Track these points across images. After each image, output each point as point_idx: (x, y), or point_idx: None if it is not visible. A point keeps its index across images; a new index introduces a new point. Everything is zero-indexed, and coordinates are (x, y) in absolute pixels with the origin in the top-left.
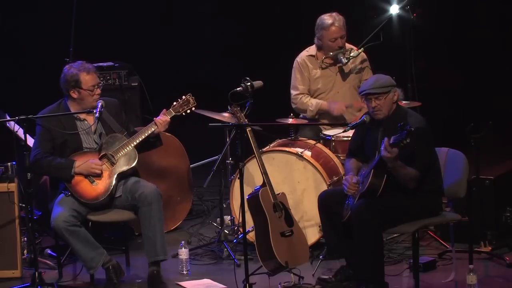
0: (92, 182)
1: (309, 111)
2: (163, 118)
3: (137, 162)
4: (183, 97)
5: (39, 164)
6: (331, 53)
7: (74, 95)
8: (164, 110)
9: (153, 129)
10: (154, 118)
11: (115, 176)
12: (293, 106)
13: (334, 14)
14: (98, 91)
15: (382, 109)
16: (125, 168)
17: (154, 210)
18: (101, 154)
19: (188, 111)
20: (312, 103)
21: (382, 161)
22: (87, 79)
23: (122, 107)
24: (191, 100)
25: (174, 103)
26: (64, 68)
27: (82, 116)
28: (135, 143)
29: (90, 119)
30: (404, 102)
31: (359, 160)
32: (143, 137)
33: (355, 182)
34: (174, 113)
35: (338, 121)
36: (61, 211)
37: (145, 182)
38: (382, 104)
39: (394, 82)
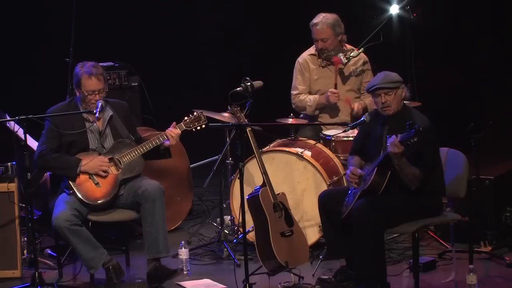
0: (96, 184)
1: (308, 107)
2: (175, 131)
3: (142, 170)
4: (194, 113)
5: (44, 159)
6: (332, 52)
7: (77, 93)
8: (174, 123)
9: (162, 140)
10: (167, 130)
11: (119, 181)
12: (293, 105)
13: (324, 14)
14: (97, 96)
15: (391, 105)
16: (130, 174)
17: (157, 207)
18: (108, 158)
19: (198, 127)
20: (310, 99)
21: (386, 160)
22: (87, 83)
23: (131, 110)
24: (202, 117)
25: (185, 118)
26: (76, 65)
27: (91, 117)
28: (143, 151)
29: (98, 121)
30: (404, 102)
31: (362, 158)
32: (151, 146)
33: (359, 173)
34: (184, 128)
35: (337, 115)
36: (63, 210)
37: (147, 179)
38: (391, 100)
39: (401, 78)
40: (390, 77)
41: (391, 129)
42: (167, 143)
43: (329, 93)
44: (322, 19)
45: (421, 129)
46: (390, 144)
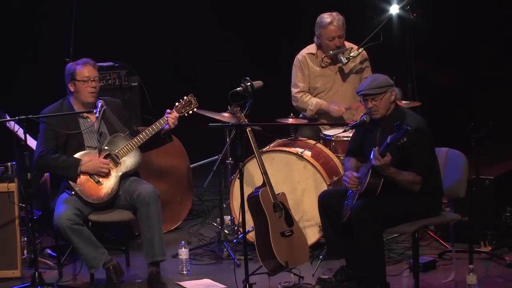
0: (97, 182)
1: (309, 110)
2: (172, 114)
3: (140, 162)
4: (185, 97)
5: (44, 161)
6: (331, 52)
7: (72, 88)
8: (168, 110)
9: (156, 129)
10: (166, 113)
11: (119, 176)
12: (294, 104)
13: (334, 13)
14: (93, 84)
15: (379, 110)
16: (129, 168)
17: (152, 211)
18: (104, 154)
19: (190, 111)
20: (312, 103)
21: None
22: (82, 70)
23: (131, 110)
24: (193, 101)
25: (176, 103)
26: (67, 65)
27: (85, 113)
28: (139, 144)
29: (93, 117)
30: (404, 102)
31: (358, 160)
32: (147, 137)
33: (355, 177)
34: (177, 114)
35: (337, 121)
36: (65, 210)
37: (143, 182)
38: (378, 105)
39: (391, 82)
40: (376, 82)
41: (384, 130)
42: (166, 127)
43: (336, 108)
44: (335, 17)
45: (409, 128)
46: (373, 157)
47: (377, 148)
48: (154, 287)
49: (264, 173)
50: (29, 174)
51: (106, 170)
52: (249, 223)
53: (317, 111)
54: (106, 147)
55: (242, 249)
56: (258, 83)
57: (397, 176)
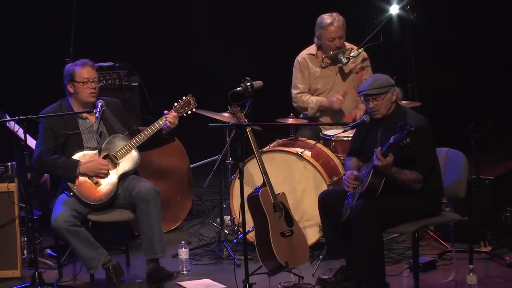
0: (95, 183)
1: (310, 109)
2: (170, 114)
3: (139, 162)
4: (184, 98)
5: (43, 161)
6: (331, 52)
7: (71, 89)
8: (166, 111)
9: (154, 129)
10: (164, 115)
11: (118, 177)
12: (294, 105)
13: (334, 14)
14: (93, 85)
15: (380, 110)
16: (127, 169)
17: (151, 208)
18: (103, 155)
19: (189, 112)
20: (312, 101)
21: None
22: (81, 71)
23: (131, 110)
24: (192, 101)
25: (175, 104)
26: (66, 66)
27: (84, 114)
28: (137, 145)
29: (92, 118)
30: (404, 102)
31: (359, 159)
32: (145, 138)
33: (355, 176)
34: (176, 114)
35: (339, 118)
36: (62, 211)
37: (143, 180)
38: (380, 105)
39: (392, 81)
40: (377, 82)
41: (385, 130)
42: (166, 127)
43: (334, 99)
44: (336, 18)
45: (412, 129)
46: (375, 157)
47: (379, 148)
48: (158, 278)
49: (264, 173)
50: (29, 174)
51: (105, 171)
52: (249, 223)
53: (318, 109)
54: (104, 148)
55: (242, 249)
56: (258, 83)
57: (399, 176)
